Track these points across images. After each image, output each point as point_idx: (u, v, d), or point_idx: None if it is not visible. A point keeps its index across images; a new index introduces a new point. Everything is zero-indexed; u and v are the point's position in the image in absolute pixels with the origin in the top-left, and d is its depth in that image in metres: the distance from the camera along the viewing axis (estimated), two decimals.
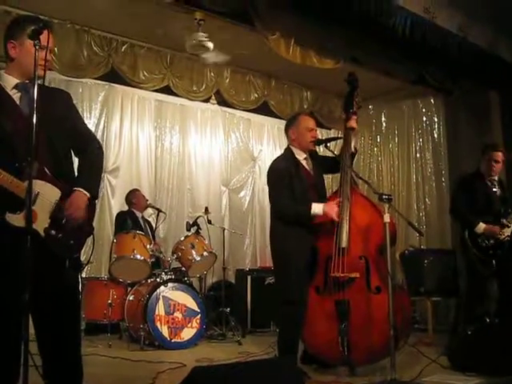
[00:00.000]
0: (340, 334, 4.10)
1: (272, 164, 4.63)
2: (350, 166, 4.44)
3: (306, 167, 4.55)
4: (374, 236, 4.14)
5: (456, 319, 5.85)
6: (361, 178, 4.66)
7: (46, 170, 2.79)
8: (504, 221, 5.45)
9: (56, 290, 2.83)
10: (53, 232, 2.81)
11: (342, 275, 4.12)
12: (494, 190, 5.69)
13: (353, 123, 4.57)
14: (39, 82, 2.70)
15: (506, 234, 5.40)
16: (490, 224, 5.41)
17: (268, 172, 4.59)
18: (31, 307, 2.49)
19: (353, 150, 4.58)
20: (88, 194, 2.93)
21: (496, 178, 5.74)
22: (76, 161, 3.14)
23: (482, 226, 5.40)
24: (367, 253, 4.18)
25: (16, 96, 2.84)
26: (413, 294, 6.51)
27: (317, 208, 4.24)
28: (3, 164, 2.65)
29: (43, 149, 2.62)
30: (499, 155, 5.69)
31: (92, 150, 3.11)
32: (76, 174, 3.04)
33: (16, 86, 2.84)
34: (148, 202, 7.47)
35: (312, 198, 4.40)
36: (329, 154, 4.81)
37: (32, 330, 2.52)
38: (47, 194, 2.81)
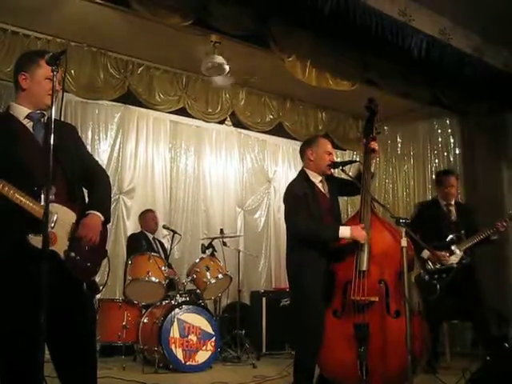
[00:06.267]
0: (359, 358, 4.04)
1: (289, 188, 4.53)
2: (369, 191, 4.40)
3: (322, 190, 4.49)
4: (393, 260, 4.09)
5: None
6: (377, 202, 4.62)
7: (62, 193, 2.85)
8: (453, 247, 5.62)
9: (74, 312, 2.86)
10: (72, 254, 2.86)
11: (362, 298, 4.07)
12: (450, 215, 5.88)
13: (374, 145, 4.53)
14: (48, 112, 2.84)
15: (452, 260, 5.59)
16: (438, 249, 5.57)
17: (285, 196, 4.51)
18: (48, 329, 2.49)
19: (372, 170, 4.55)
20: (102, 217, 3.00)
21: (452, 203, 5.93)
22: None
23: (426, 253, 5.62)
24: (387, 277, 4.13)
25: (29, 125, 2.93)
26: None
27: (344, 231, 4.21)
28: (22, 189, 2.71)
29: (58, 174, 2.70)
30: (452, 179, 5.92)
31: (100, 182, 3.19)
32: (87, 200, 3.11)
33: (28, 116, 2.93)
34: (163, 224, 7.48)
35: (328, 222, 4.37)
36: (343, 176, 4.76)
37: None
38: (65, 216, 2.87)
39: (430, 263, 5.64)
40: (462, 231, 5.75)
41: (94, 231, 2.92)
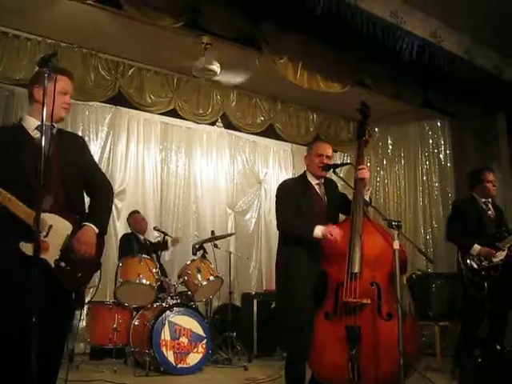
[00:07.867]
0: (351, 360, 4.03)
1: (281, 184, 4.63)
2: (361, 193, 4.36)
3: (318, 192, 4.50)
4: (385, 263, 4.08)
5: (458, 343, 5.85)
6: (370, 205, 4.61)
7: (60, 204, 2.96)
8: (498, 244, 5.47)
9: (57, 320, 2.95)
10: (62, 264, 2.95)
11: (354, 301, 4.06)
12: (489, 212, 5.74)
13: (363, 174, 4.40)
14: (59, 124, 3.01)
15: (499, 258, 5.41)
16: (485, 247, 5.45)
17: (277, 189, 4.57)
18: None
19: (367, 199, 4.45)
20: (97, 230, 3.09)
21: (490, 201, 5.78)
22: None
23: (477, 248, 5.44)
24: (379, 279, 4.12)
25: (37, 136, 2.99)
26: (420, 319, 6.44)
27: (318, 230, 4.20)
28: (22, 197, 2.81)
29: (58, 184, 2.82)
30: (493, 175, 5.77)
31: (103, 193, 3.31)
32: (87, 211, 3.22)
33: (37, 127, 3.01)
34: (154, 226, 7.45)
35: (320, 222, 4.34)
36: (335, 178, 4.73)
37: None
38: (60, 227, 2.97)
39: (477, 260, 5.46)
40: (503, 228, 5.65)
41: (88, 245, 3.03)
